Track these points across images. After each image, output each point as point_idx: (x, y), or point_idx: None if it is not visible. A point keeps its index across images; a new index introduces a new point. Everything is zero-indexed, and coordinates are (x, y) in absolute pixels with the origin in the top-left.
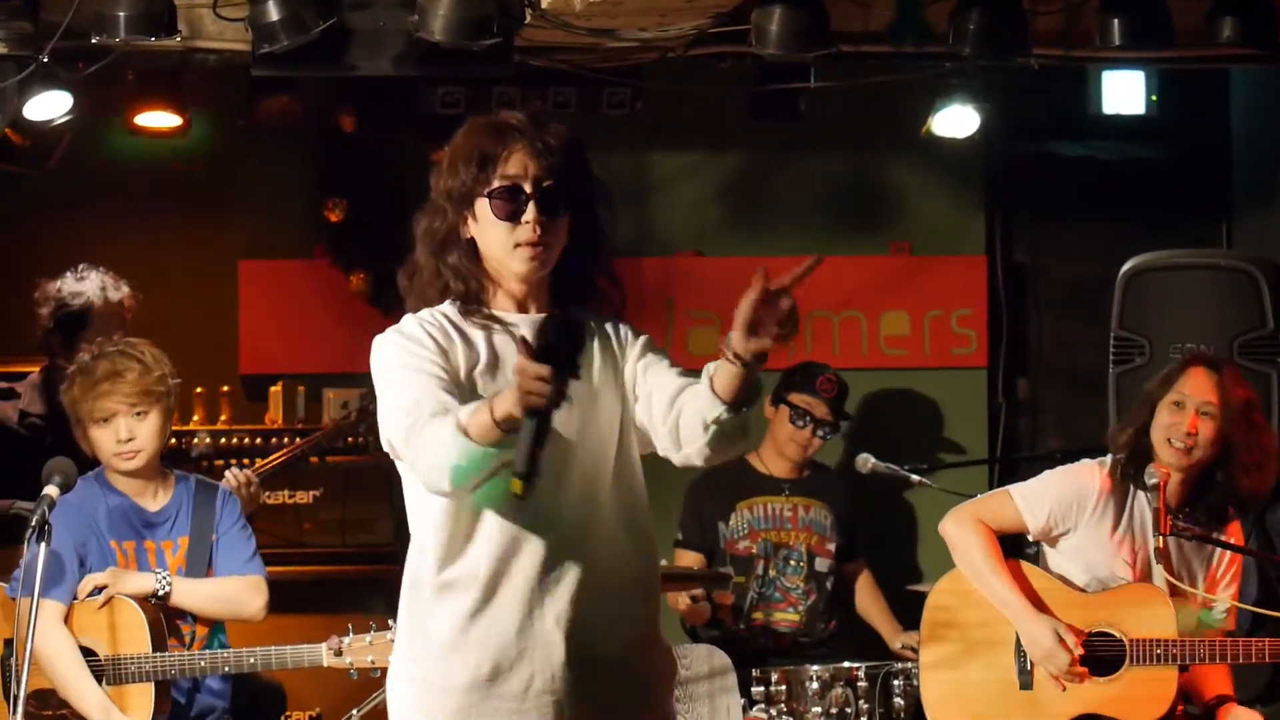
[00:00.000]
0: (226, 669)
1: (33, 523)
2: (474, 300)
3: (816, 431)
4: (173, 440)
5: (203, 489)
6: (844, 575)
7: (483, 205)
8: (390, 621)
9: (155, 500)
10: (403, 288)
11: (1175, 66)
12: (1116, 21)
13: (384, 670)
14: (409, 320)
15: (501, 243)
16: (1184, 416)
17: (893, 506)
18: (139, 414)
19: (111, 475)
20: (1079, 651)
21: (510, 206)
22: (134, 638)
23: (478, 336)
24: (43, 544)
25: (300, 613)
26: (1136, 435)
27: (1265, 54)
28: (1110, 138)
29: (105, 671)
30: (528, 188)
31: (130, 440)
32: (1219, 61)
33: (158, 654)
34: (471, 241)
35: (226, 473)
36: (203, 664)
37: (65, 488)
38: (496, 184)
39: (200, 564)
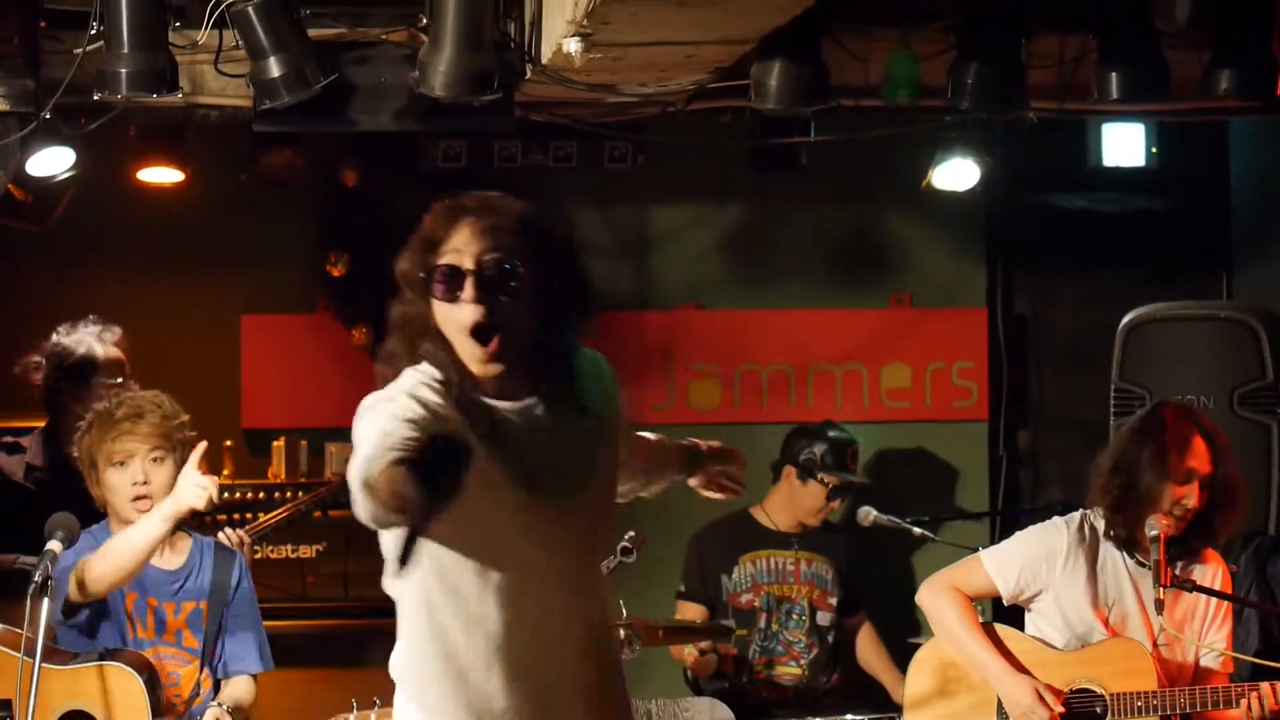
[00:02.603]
0: None
1: (35, 578)
2: (456, 389)
3: (842, 500)
4: None
5: (221, 555)
6: (846, 629)
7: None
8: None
9: (163, 558)
10: (382, 375)
11: (1172, 119)
12: (1114, 75)
13: None
14: (401, 395)
15: (451, 328)
16: (1191, 491)
17: (895, 559)
18: (155, 459)
19: (117, 529)
20: (1059, 709)
21: (447, 286)
22: (132, 705)
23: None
24: (46, 599)
25: (302, 666)
26: (1132, 495)
27: (1264, 106)
28: (1110, 190)
29: None
30: (467, 265)
31: (145, 484)
32: (1217, 114)
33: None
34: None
35: (220, 533)
36: None
37: (68, 543)
38: (437, 264)
39: (213, 629)
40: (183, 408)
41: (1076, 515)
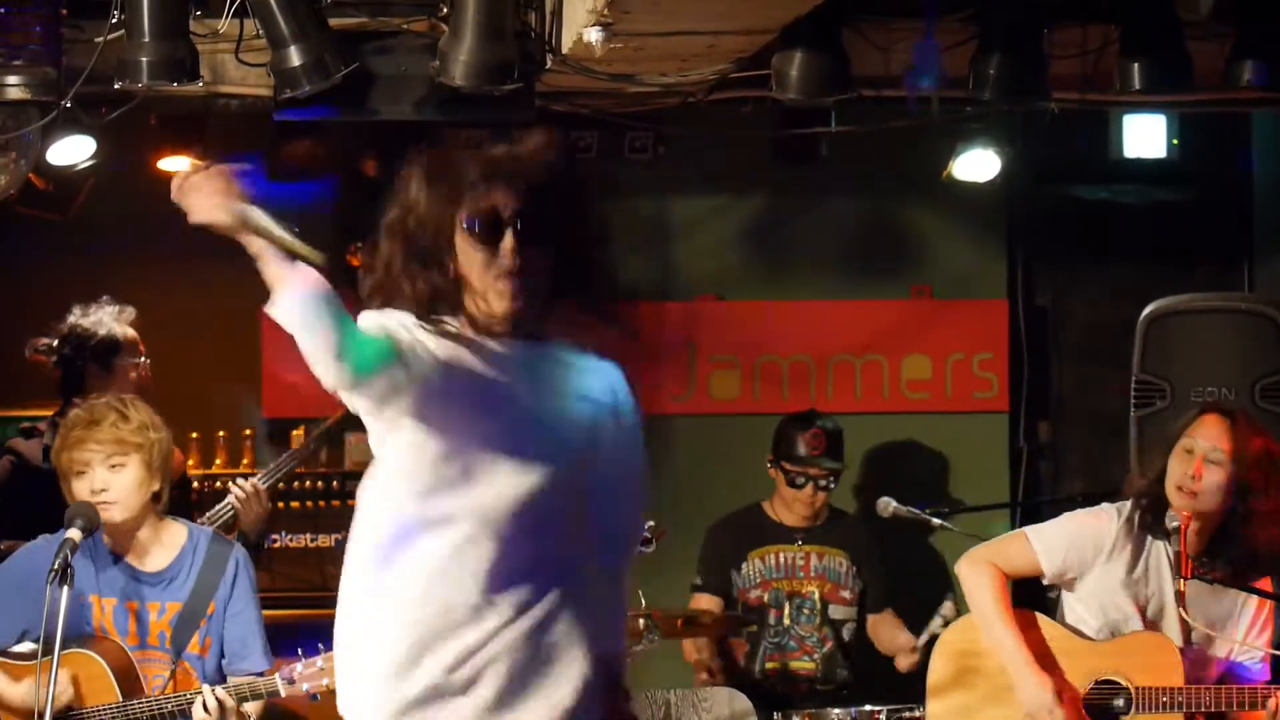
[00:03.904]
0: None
1: (54, 566)
2: (441, 311)
3: (819, 487)
4: (197, 484)
5: (216, 548)
6: (867, 622)
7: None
8: None
9: (150, 558)
10: (367, 285)
11: (1195, 110)
12: (1136, 66)
13: None
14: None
15: (478, 272)
16: (1191, 463)
17: (914, 550)
18: (114, 466)
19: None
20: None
21: (488, 234)
22: (100, 688)
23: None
24: (65, 588)
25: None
26: (1151, 483)
27: None
28: (1132, 181)
29: None
30: (507, 214)
31: (104, 491)
32: (1240, 105)
33: (128, 701)
34: (452, 260)
35: (232, 485)
36: (170, 707)
37: (88, 531)
38: (473, 208)
39: (188, 632)
40: (199, 398)
41: (1126, 504)
